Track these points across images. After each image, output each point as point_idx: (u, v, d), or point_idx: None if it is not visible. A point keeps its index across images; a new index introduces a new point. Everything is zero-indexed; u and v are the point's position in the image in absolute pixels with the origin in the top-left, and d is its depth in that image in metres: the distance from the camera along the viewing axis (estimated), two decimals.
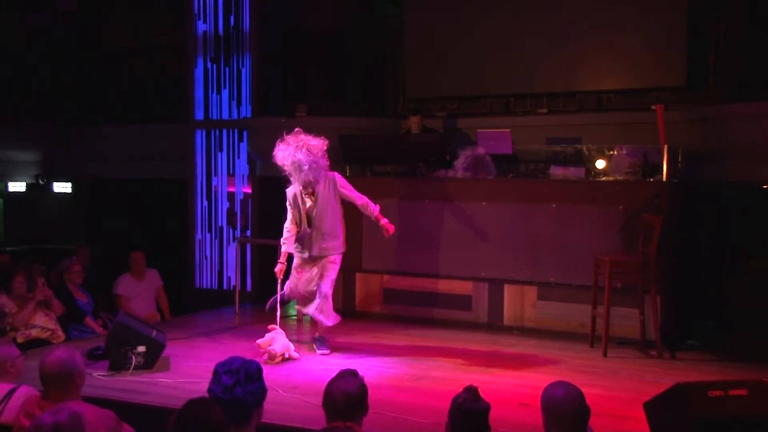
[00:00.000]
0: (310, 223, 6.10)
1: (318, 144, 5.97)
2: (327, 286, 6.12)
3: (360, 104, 8.90)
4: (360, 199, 6.25)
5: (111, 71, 11.10)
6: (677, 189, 6.82)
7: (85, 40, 11.16)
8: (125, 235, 10.17)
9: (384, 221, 6.19)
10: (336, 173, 6.24)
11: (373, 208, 6.24)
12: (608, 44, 8.02)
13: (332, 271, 6.18)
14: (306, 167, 5.87)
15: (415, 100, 8.99)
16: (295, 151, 5.88)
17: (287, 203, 6.21)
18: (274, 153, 6.03)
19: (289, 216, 6.18)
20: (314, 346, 6.25)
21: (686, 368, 5.87)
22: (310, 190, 6.09)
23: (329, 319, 6.15)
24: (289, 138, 5.98)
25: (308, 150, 5.89)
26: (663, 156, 6.67)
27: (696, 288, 7.14)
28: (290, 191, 6.17)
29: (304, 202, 6.12)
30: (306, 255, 6.17)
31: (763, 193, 8.08)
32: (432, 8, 8.88)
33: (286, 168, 6.00)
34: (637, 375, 5.68)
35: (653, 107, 7.09)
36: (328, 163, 6.06)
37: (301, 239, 6.17)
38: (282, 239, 6.20)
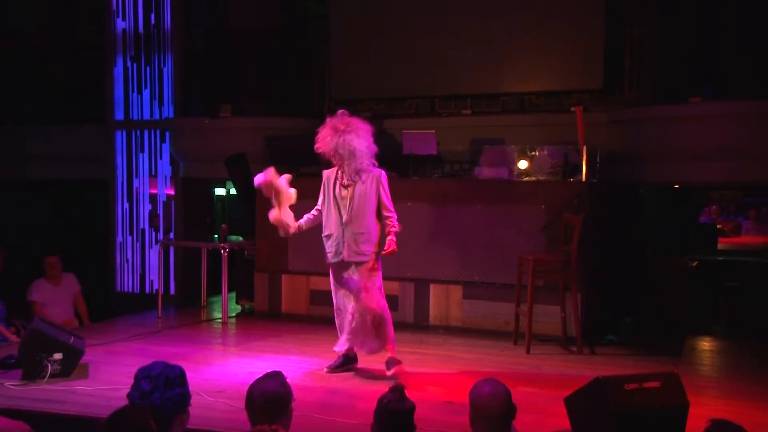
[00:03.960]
0: (340, 218, 5.41)
1: (369, 129, 5.40)
2: (376, 301, 5.38)
3: (286, 105, 8.83)
4: (389, 211, 5.47)
5: (27, 70, 10.70)
6: (596, 189, 7.01)
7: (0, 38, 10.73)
8: (43, 239, 9.83)
9: (392, 238, 5.41)
10: (383, 170, 5.51)
11: (393, 224, 5.46)
12: (530, 47, 8.19)
13: (376, 279, 5.44)
14: (358, 153, 5.29)
15: (341, 101, 8.98)
16: (347, 136, 5.28)
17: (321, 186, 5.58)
18: (317, 137, 5.39)
19: (320, 200, 5.59)
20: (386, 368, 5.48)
21: (606, 363, 6.04)
22: (352, 181, 5.41)
23: (385, 339, 5.45)
24: (335, 121, 5.35)
25: (362, 135, 5.32)
26: (582, 157, 6.84)
27: (615, 285, 7.36)
28: (327, 173, 5.56)
29: (339, 190, 5.43)
30: (337, 260, 5.45)
31: (675, 192, 8.42)
32: (358, 9, 8.89)
33: (332, 154, 5.34)
34: (558, 371, 5.81)
35: (572, 109, 7.28)
36: (376, 151, 5.45)
37: (329, 238, 5.48)
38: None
